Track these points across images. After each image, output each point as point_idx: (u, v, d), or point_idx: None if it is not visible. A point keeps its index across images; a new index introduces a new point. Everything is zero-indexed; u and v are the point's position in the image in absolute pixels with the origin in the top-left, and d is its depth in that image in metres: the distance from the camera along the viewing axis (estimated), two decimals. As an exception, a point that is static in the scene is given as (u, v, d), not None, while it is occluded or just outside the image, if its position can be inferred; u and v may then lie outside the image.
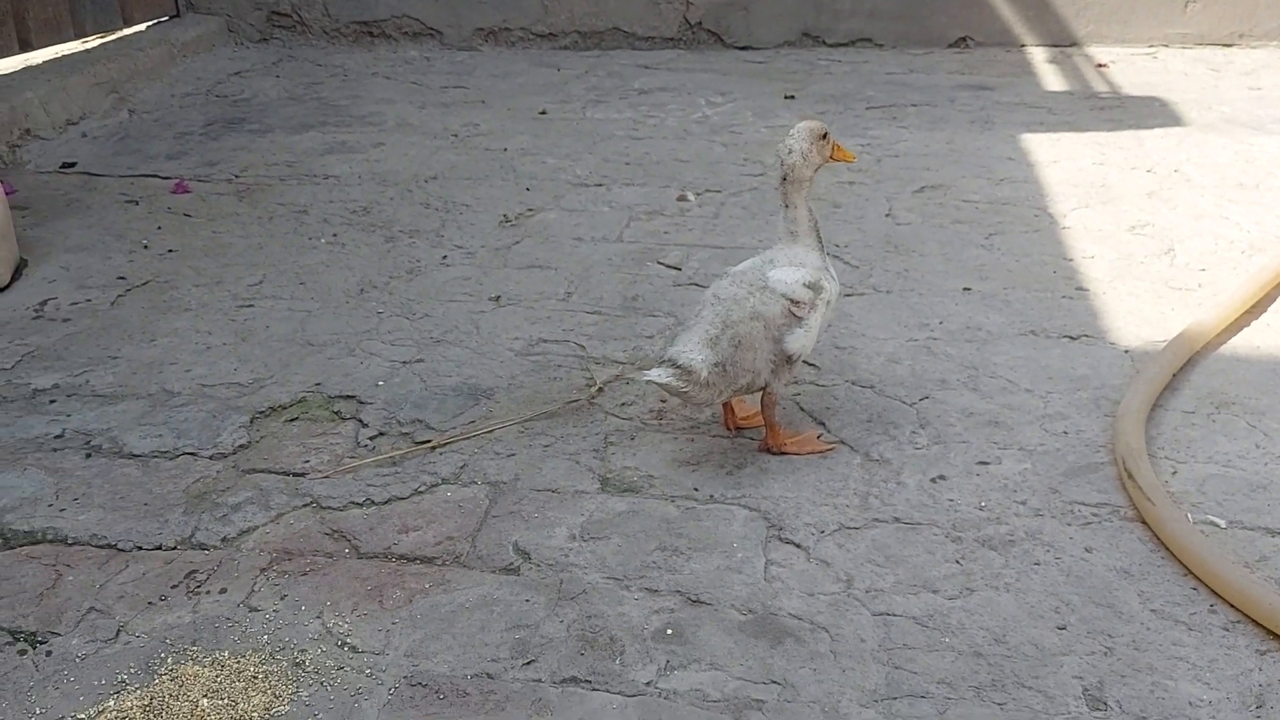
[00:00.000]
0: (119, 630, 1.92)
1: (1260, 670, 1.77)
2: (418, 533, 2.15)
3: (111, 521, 2.20)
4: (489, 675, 1.80)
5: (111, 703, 1.76)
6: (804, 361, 2.50)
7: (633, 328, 2.94)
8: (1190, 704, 1.71)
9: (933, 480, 2.27)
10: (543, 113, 4.89)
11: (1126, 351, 2.76)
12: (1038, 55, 5.65)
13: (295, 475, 2.34)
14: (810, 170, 2.31)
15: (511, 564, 2.06)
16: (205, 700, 1.76)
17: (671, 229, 3.60)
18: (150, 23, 5.91)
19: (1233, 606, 1.89)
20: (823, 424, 2.48)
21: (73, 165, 4.29)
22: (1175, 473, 2.27)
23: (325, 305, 3.12)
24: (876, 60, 5.66)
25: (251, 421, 2.54)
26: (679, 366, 2.17)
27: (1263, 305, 2.94)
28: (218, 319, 3.05)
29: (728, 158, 4.25)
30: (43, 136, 4.55)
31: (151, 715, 1.73)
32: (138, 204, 3.90)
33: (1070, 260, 3.29)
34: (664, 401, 2.57)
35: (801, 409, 2.54)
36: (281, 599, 1.98)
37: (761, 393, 2.32)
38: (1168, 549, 2.03)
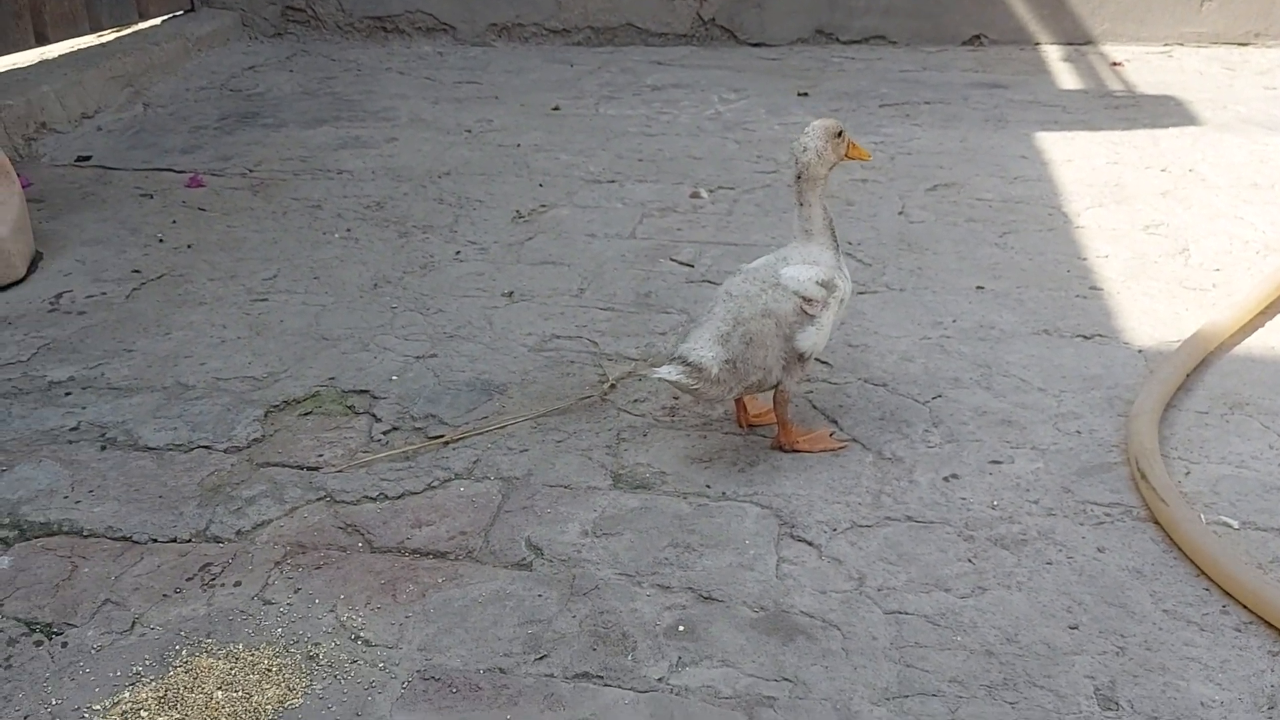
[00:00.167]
0: (134, 622, 1.93)
1: (1272, 671, 1.77)
2: (431, 527, 2.16)
3: (126, 514, 2.22)
4: (501, 670, 1.81)
5: (126, 694, 1.77)
6: (816, 359, 2.50)
7: (645, 324, 2.95)
8: (1202, 704, 1.71)
9: (945, 479, 2.27)
10: (556, 109, 4.89)
11: (1140, 351, 2.75)
12: (1052, 53, 5.63)
13: (309, 469, 2.35)
14: (825, 169, 2.31)
15: (524, 559, 2.07)
16: (220, 692, 1.77)
17: (684, 226, 3.60)
18: (165, 17, 5.93)
19: (1245, 607, 1.89)
20: (835, 422, 2.48)
21: (88, 159, 4.31)
22: (1188, 473, 2.27)
23: (339, 300, 3.13)
24: (890, 57, 5.64)
25: (266, 415, 2.56)
26: (690, 364, 2.17)
27: (1277, 306, 2.93)
28: (232, 313, 3.06)
29: (741, 155, 4.25)
30: (58, 130, 4.57)
31: (166, 707, 1.75)
32: (152, 198, 3.92)
33: (1084, 259, 3.28)
34: (676, 398, 2.58)
35: (814, 407, 2.55)
36: (295, 592, 2.00)
37: (774, 390, 2.32)
38: (1180, 549, 2.03)
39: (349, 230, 3.62)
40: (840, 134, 2.32)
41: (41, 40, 5.12)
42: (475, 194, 3.90)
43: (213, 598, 1.99)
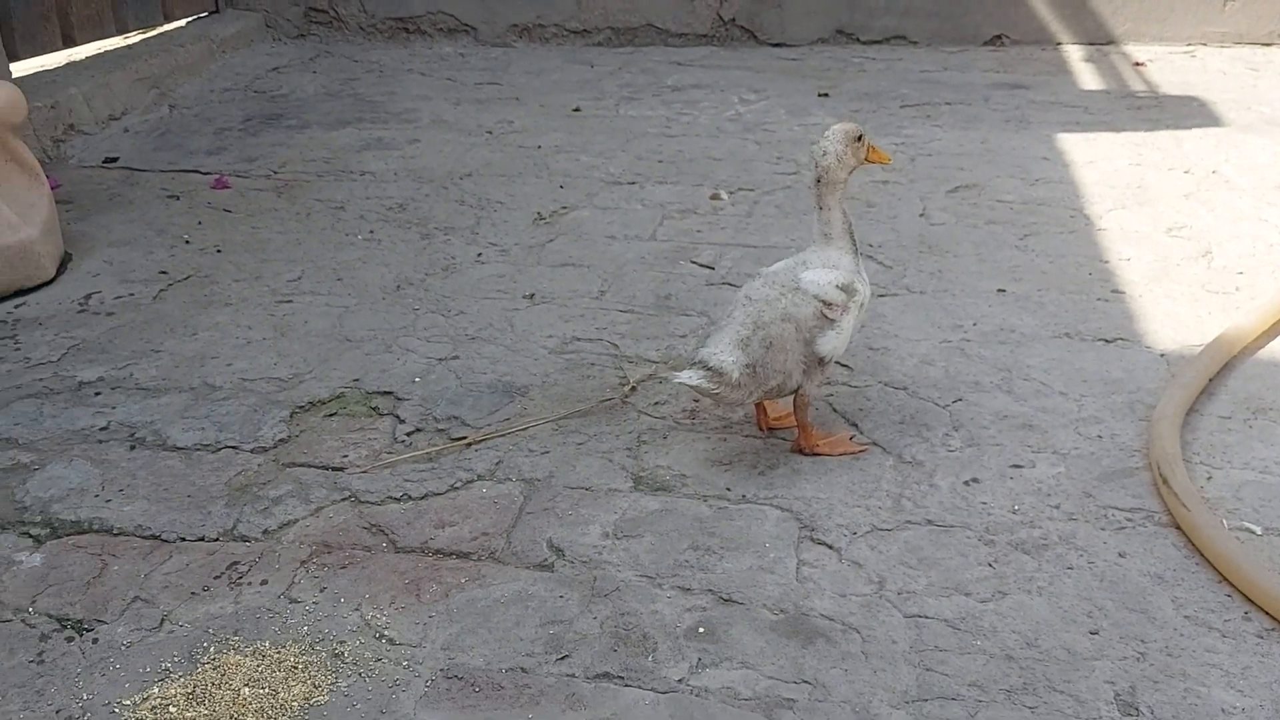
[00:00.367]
0: (163, 619, 1.96)
1: (1295, 679, 1.77)
2: (454, 528, 2.19)
3: (156, 513, 2.25)
4: (523, 670, 1.83)
5: (156, 690, 1.81)
6: (836, 363, 2.51)
7: (665, 327, 2.96)
8: (1223, 711, 1.71)
9: (965, 483, 2.28)
10: (576, 110, 4.91)
11: (1162, 355, 2.74)
12: (1074, 53, 5.60)
13: (334, 470, 2.38)
14: (845, 172, 2.32)
15: (546, 560, 2.09)
16: (247, 689, 1.80)
17: (704, 228, 3.61)
18: (190, 19, 5.99)
19: (1267, 614, 1.89)
20: (855, 425, 2.49)
21: (115, 160, 4.36)
22: (1210, 478, 2.26)
23: (362, 301, 3.16)
24: (911, 58, 5.63)
25: (291, 416, 2.59)
26: (710, 368, 2.19)
27: (1302, 310, 2.91)
28: (257, 314, 3.10)
29: (761, 156, 4.26)
30: (86, 131, 4.63)
31: (194, 703, 1.78)
32: (178, 199, 3.96)
33: (1106, 262, 3.27)
34: (696, 401, 2.59)
35: (834, 410, 2.55)
36: (321, 591, 2.02)
37: (794, 394, 2.33)
38: (1202, 555, 2.03)
39: (372, 232, 3.65)
40: (860, 138, 2.33)
41: (69, 42, 5.18)
42: (496, 195, 3.93)
43: (240, 596, 2.02)
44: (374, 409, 2.62)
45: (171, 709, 1.76)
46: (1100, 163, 4.07)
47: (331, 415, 2.59)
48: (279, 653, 1.88)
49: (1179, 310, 2.96)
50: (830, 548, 2.09)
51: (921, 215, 3.66)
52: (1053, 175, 3.96)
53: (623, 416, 2.55)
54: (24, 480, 2.37)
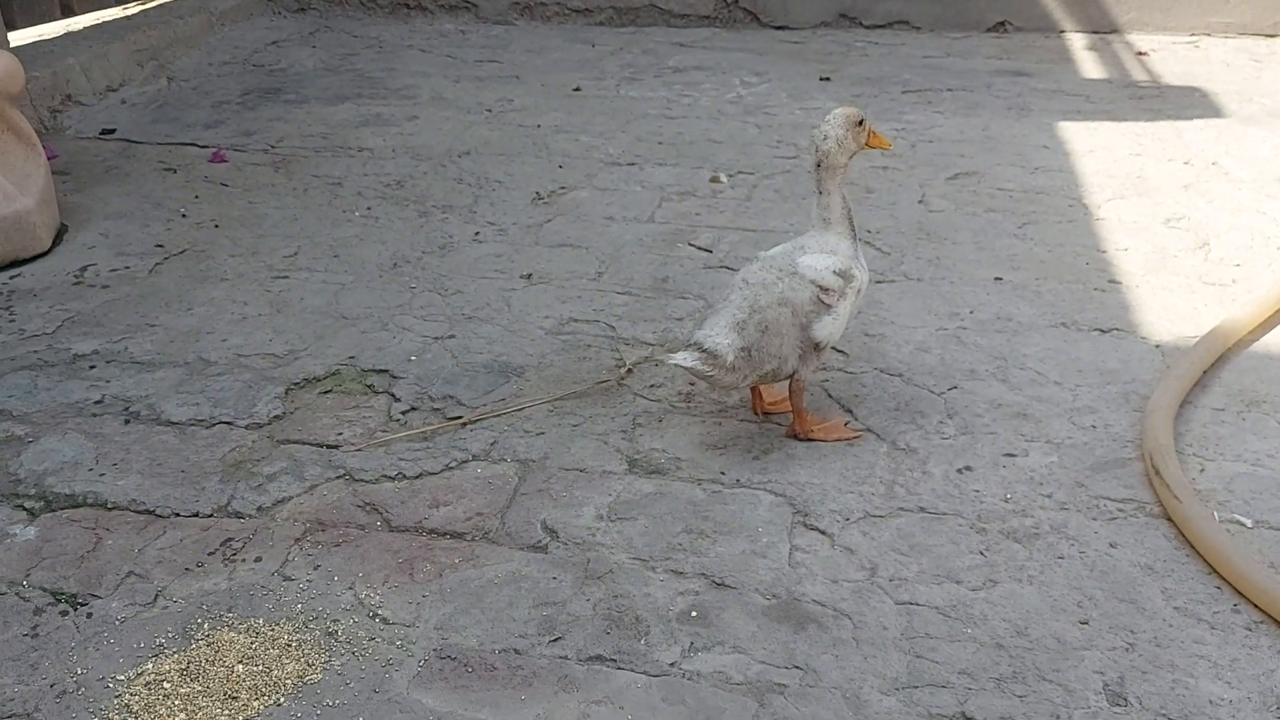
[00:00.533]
0: (157, 595, 1.97)
1: (1281, 671, 1.78)
2: (448, 508, 2.19)
3: (150, 487, 2.25)
4: (516, 651, 1.84)
5: (150, 665, 1.81)
6: (832, 348, 2.51)
7: (663, 309, 2.96)
8: (1211, 702, 1.72)
9: (959, 471, 2.28)
10: (577, 89, 4.89)
11: (1157, 346, 2.75)
12: (1077, 42, 5.58)
13: (329, 447, 2.38)
14: (845, 157, 2.31)
15: (540, 542, 2.09)
16: (240, 666, 1.81)
17: (703, 210, 3.61)
18: (188, -10, 5.94)
19: (1256, 606, 1.90)
20: (850, 411, 2.49)
21: (112, 132, 4.34)
22: (1203, 470, 2.27)
23: (359, 279, 3.16)
24: (914, 43, 5.61)
25: (286, 393, 2.59)
26: (705, 350, 2.18)
27: (1298, 303, 2.92)
28: (253, 289, 3.09)
29: (761, 139, 4.24)
30: (83, 103, 4.60)
31: (188, 679, 1.78)
32: (175, 172, 3.94)
33: (1104, 252, 3.27)
34: (692, 385, 2.59)
35: (829, 396, 2.56)
36: (315, 569, 2.03)
37: (789, 379, 2.33)
38: (1193, 547, 2.04)
39: (369, 209, 3.64)
40: (861, 122, 2.32)
41: (68, 12, 5.15)
42: (495, 174, 3.91)
43: (234, 572, 2.02)
44: (369, 387, 2.62)
45: (165, 684, 1.77)
46: (1100, 152, 4.06)
47: (327, 393, 2.59)
48: (273, 630, 1.88)
49: (1175, 301, 2.97)
50: (823, 533, 2.10)
51: (920, 202, 3.66)
52: (1053, 164, 3.95)
53: (618, 399, 2.55)
54: (18, 453, 2.37)
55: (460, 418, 2.48)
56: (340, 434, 2.43)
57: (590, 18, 6.01)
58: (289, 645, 1.85)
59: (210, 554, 2.07)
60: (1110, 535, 2.09)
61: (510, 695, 1.75)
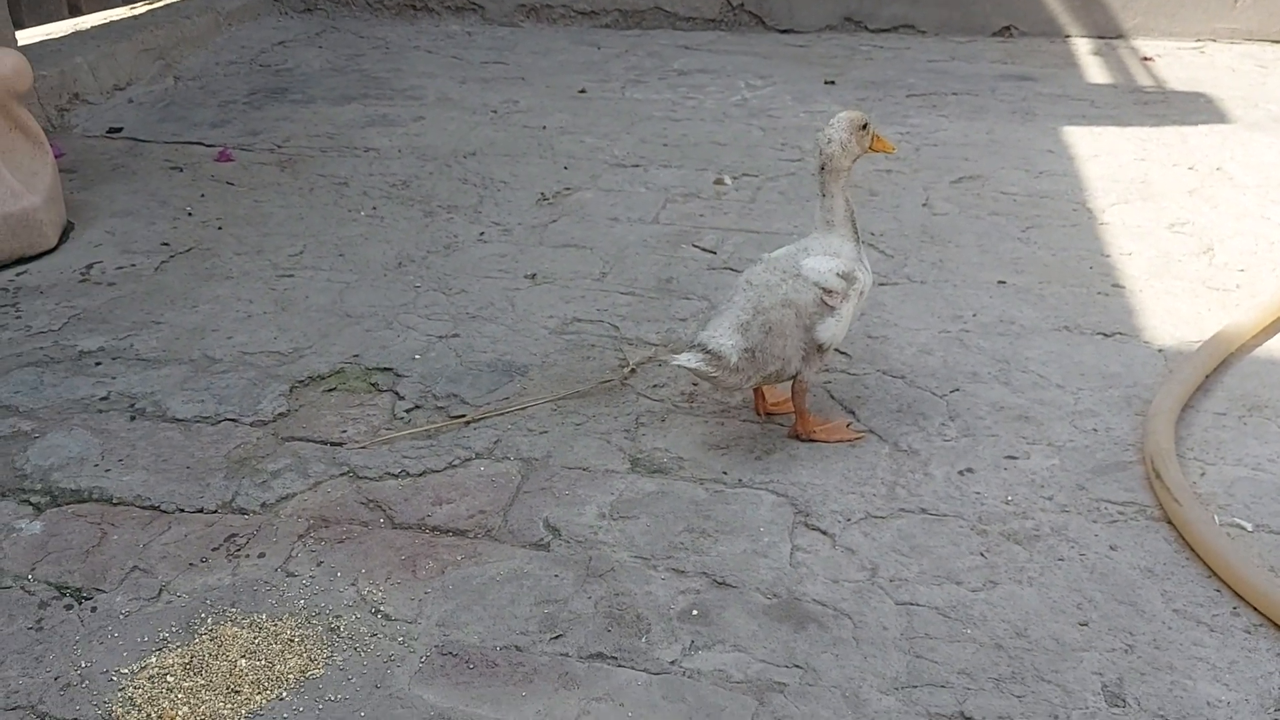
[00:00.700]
0: (161, 589, 1.98)
1: (1281, 674, 1.79)
2: (451, 505, 2.20)
3: (155, 483, 2.26)
4: (518, 648, 1.85)
5: (153, 659, 1.82)
6: (835, 350, 2.51)
7: (666, 310, 2.97)
8: (1209, 704, 1.73)
9: (960, 472, 2.29)
10: (582, 91, 4.90)
11: (1160, 350, 2.75)
12: (1082, 47, 5.59)
13: (333, 444, 2.39)
14: (849, 160, 2.32)
15: (542, 540, 2.10)
16: (243, 660, 1.82)
17: (707, 212, 3.62)
18: (196, -10, 5.96)
19: (1256, 610, 1.90)
20: (852, 412, 2.50)
21: (119, 130, 4.36)
22: (1204, 474, 2.28)
23: (364, 277, 3.17)
24: (919, 47, 5.62)
25: (291, 390, 2.60)
26: (709, 351, 2.19)
27: (1301, 308, 2.92)
28: (258, 288, 3.11)
29: (765, 142, 4.25)
30: (91, 101, 4.62)
31: (191, 673, 1.79)
32: (182, 171, 3.96)
33: (1107, 256, 3.27)
34: (695, 385, 2.60)
35: (832, 397, 2.57)
36: (318, 565, 2.04)
37: (792, 380, 2.34)
38: (1193, 550, 2.04)
39: (374, 208, 3.65)
40: (865, 126, 2.33)
41: (75, 11, 5.17)
42: (500, 175, 3.93)
43: (238, 568, 2.03)
44: (373, 385, 2.63)
45: (169, 678, 1.78)
46: (1105, 157, 4.07)
47: (331, 390, 2.61)
48: (275, 625, 1.90)
49: (1179, 306, 2.97)
50: (824, 533, 2.11)
51: (924, 205, 3.66)
52: (1057, 168, 3.96)
53: (621, 398, 2.56)
54: (24, 448, 2.38)
55: (464, 416, 2.49)
56: (344, 431, 2.44)
57: (596, 20, 6.03)
58: (291, 640, 1.86)
59: (214, 549, 2.08)
60: (1110, 538, 2.10)
61: (511, 692, 1.76)
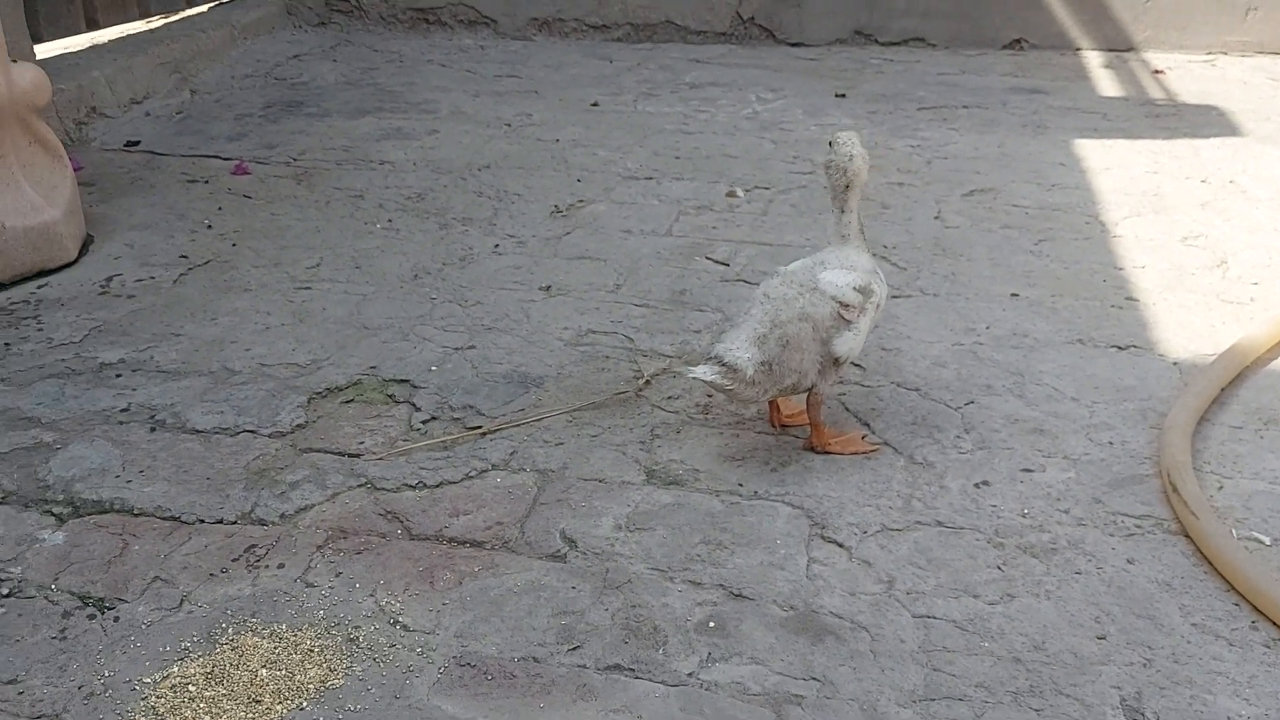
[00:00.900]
0: (182, 600, 1.99)
1: (1299, 688, 1.78)
2: (468, 517, 2.21)
3: (175, 494, 2.28)
4: (535, 659, 1.86)
5: (176, 669, 1.84)
6: (851, 363, 2.52)
7: (680, 321, 2.98)
8: (1229, 719, 1.73)
9: (976, 485, 2.29)
10: (594, 104, 4.93)
11: (1175, 364, 2.75)
12: (1093, 59, 5.60)
13: (351, 456, 2.41)
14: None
15: (559, 551, 2.11)
16: (264, 670, 1.83)
17: (720, 224, 3.63)
18: (212, 4, 6.02)
19: (1275, 624, 1.90)
20: (867, 425, 2.51)
21: (137, 144, 4.39)
22: (1221, 488, 2.28)
23: (380, 289, 3.19)
24: (929, 60, 5.64)
25: (309, 402, 2.62)
26: (725, 364, 2.21)
27: (1316, 322, 2.92)
28: (276, 300, 3.13)
29: (777, 155, 4.27)
30: (108, 115, 4.66)
31: (213, 683, 1.81)
32: (199, 184, 3.99)
33: (1120, 269, 3.28)
34: (710, 397, 2.61)
35: (847, 409, 2.57)
36: (337, 576, 2.05)
37: (808, 392, 2.35)
38: (1210, 564, 2.04)
39: (390, 221, 3.67)
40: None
41: (92, 25, 5.22)
42: (514, 188, 3.95)
43: (258, 578, 2.05)
44: (390, 396, 2.64)
45: (191, 688, 1.79)
46: (1117, 170, 4.07)
47: (348, 402, 2.62)
48: (295, 636, 1.91)
49: (1192, 319, 2.97)
50: (840, 546, 2.12)
51: (936, 218, 3.67)
52: (1069, 181, 3.97)
53: (636, 410, 2.58)
54: (46, 459, 2.40)
55: (480, 427, 2.50)
56: (362, 443, 2.46)
57: (608, 34, 6.07)
58: (311, 651, 1.87)
59: (234, 560, 2.10)
60: (1128, 551, 2.10)
61: (529, 703, 1.77)
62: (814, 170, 4.07)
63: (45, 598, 2.00)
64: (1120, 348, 2.83)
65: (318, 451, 2.43)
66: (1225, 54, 5.64)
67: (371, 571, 2.07)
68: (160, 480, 2.33)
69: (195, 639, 1.90)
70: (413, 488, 2.31)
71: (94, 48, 5.05)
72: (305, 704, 1.77)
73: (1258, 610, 1.93)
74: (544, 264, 3.35)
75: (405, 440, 2.47)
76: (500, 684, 1.81)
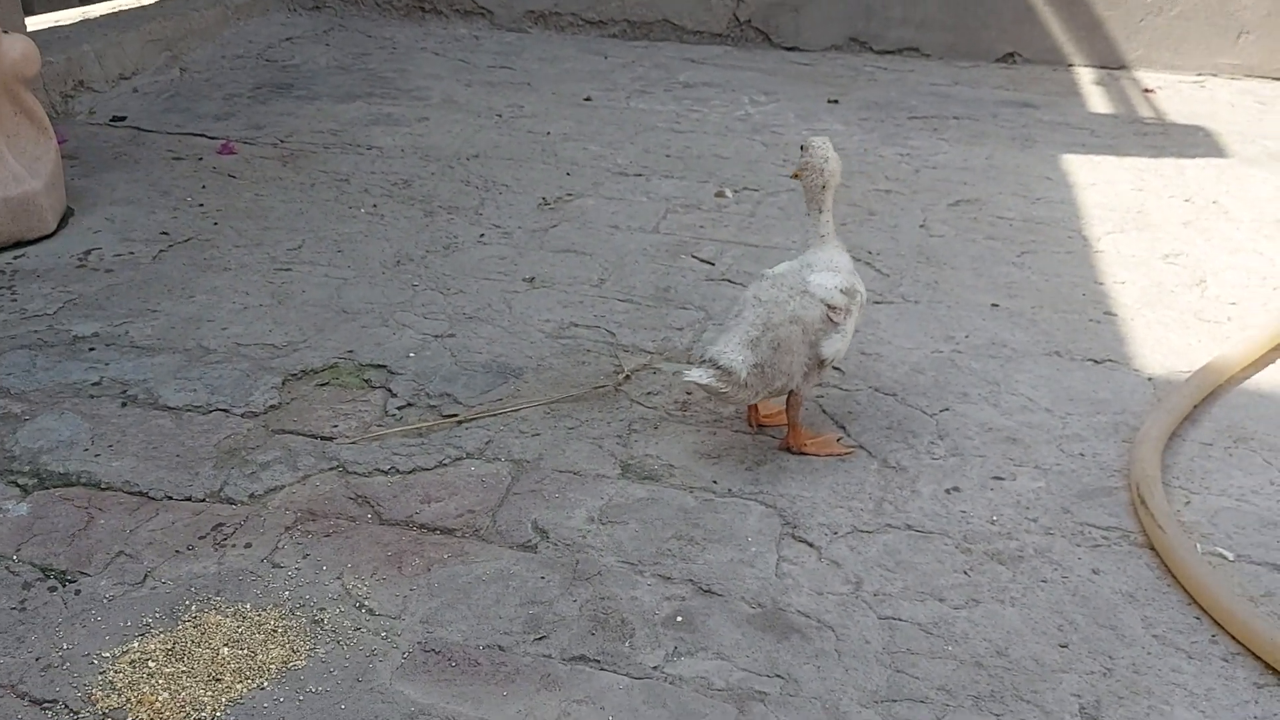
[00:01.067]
0: (146, 575, 1.98)
1: (1257, 703, 1.80)
2: (440, 504, 2.20)
3: (144, 470, 2.27)
4: (501, 647, 1.85)
5: (136, 644, 1.82)
6: (833, 366, 2.53)
7: (663, 318, 2.98)
8: (1185, 730, 1.74)
9: (947, 491, 2.30)
10: (587, 99, 4.92)
11: (1149, 379, 2.77)
12: (1085, 76, 5.63)
13: (323, 439, 2.40)
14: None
15: (529, 541, 2.11)
16: (226, 649, 1.82)
17: (707, 224, 3.63)
18: (206, -17, 5.97)
19: (1234, 638, 1.92)
20: (843, 428, 2.51)
21: (123, 119, 4.36)
22: (1188, 503, 2.29)
23: (361, 274, 3.18)
24: (922, 70, 5.65)
25: (283, 383, 2.60)
26: (720, 367, 2.21)
27: (1291, 343, 2.94)
28: (256, 280, 3.11)
29: (767, 157, 4.28)
30: (95, 89, 4.63)
31: (174, 659, 1.79)
32: (184, 161, 3.97)
33: (1100, 284, 3.30)
34: (689, 395, 2.61)
35: (824, 411, 2.58)
36: (304, 558, 2.04)
37: (789, 394, 2.36)
38: (1174, 577, 2.06)
39: (375, 206, 3.66)
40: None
41: (84, 0, 5.18)
42: (502, 178, 3.94)
43: (223, 557, 2.03)
44: (366, 381, 2.63)
45: (150, 664, 1.78)
46: (1102, 186, 4.10)
47: (324, 385, 2.61)
48: (259, 615, 1.90)
49: (1169, 336, 2.99)
50: (810, 546, 2.12)
51: (921, 226, 3.69)
52: (1054, 195, 3.99)
53: (615, 404, 2.57)
54: (14, 430, 2.38)
55: (456, 415, 2.49)
56: (335, 426, 2.45)
57: (604, 30, 6.06)
58: (275, 631, 1.86)
59: (201, 538, 2.08)
60: (1093, 562, 2.11)
61: (492, 691, 1.77)
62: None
63: (6, 568, 1.99)
64: (1096, 361, 2.85)
65: (290, 433, 2.42)
66: (1215, 76, 5.68)
67: (339, 554, 2.06)
68: (129, 455, 2.31)
69: (157, 615, 1.89)
70: (385, 473, 2.30)
71: (85, 22, 5.01)
72: (266, 684, 1.76)
73: (1218, 625, 1.94)
74: (529, 256, 3.35)
75: (379, 425, 2.46)
76: (464, 671, 1.80)
